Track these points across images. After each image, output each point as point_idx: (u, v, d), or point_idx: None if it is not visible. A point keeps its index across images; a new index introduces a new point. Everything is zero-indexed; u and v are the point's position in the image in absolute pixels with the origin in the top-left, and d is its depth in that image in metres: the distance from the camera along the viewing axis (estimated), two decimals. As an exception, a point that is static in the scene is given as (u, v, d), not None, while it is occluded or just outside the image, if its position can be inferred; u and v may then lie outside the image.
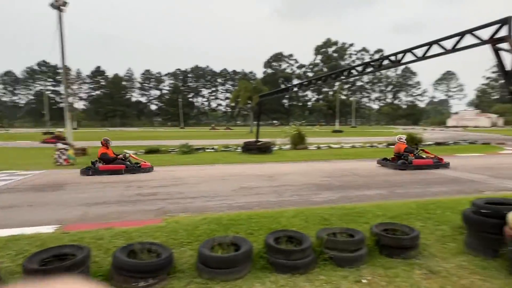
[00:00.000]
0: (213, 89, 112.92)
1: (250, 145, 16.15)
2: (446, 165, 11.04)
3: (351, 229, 4.25)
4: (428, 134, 36.90)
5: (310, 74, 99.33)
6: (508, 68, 4.27)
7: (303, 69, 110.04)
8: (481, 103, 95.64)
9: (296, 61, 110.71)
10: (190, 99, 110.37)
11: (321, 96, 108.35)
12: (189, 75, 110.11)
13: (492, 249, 3.95)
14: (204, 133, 48.55)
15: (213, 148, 17.98)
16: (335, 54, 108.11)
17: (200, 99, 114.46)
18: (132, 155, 11.49)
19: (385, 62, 6.23)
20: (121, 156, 10.76)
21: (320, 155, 15.01)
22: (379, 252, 4.07)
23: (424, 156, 11.32)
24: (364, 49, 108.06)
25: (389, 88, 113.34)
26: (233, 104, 65.15)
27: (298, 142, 18.74)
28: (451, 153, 16.14)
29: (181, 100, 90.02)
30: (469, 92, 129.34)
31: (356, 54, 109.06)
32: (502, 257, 3.82)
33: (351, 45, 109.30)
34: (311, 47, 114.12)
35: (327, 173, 10.11)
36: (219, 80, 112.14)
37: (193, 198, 6.93)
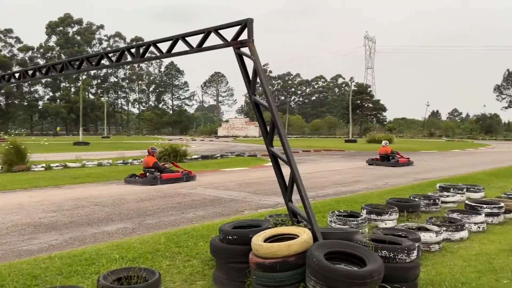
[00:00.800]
0: None
1: None
2: (411, 163, 20.20)
3: (70, 286, 4.03)
4: (196, 145, 40.94)
5: (42, 62, 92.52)
6: (250, 75, 5.14)
7: (30, 53, 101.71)
8: (250, 110, 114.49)
9: (19, 41, 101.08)
10: None
11: (58, 94, 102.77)
12: None
13: (240, 281, 4.57)
14: None
15: None
16: (78, 37, 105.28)
17: None
18: (175, 164, 14.74)
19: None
20: (167, 165, 14.05)
21: (49, 180, 14.01)
22: (110, 312, 4.01)
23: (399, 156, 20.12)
24: (118, 35, 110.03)
25: (151, 88, 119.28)
26: None
27: (16, 161, 16.89)
28: (217, 168, 18.38)
29: None
30: (239, 98, 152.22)
31: (108, 40, 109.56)
32: (248, 288, 4.48)
33: (101, 27, 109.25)
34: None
35: (55, 205, 9.57)
36: None
37: None
